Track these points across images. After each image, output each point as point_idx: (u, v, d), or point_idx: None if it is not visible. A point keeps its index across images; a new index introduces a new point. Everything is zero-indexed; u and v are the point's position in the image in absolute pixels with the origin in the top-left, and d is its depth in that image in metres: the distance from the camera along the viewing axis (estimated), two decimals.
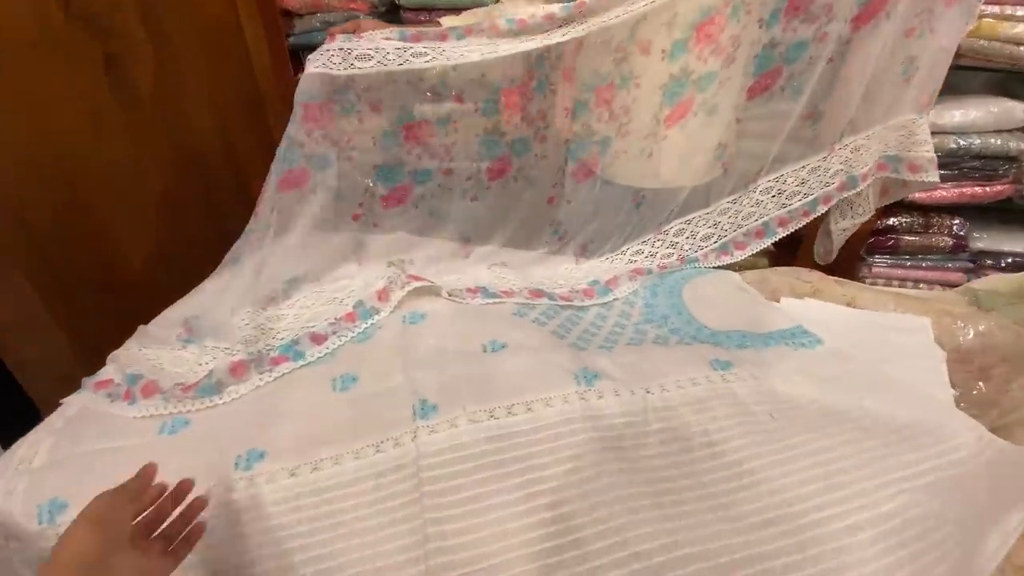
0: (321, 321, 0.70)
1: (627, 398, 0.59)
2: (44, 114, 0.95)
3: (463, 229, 0.86)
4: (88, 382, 0.66)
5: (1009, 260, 1.33)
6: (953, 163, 1.26)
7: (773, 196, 0.95)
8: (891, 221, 1.36)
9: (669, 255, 0.92)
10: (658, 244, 0.92)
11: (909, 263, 1.41)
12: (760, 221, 0.95)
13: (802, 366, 0.67)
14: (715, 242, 0.94)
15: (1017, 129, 1.24)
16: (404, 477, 0.51)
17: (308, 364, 0.65)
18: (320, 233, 0.84)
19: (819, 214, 0.98)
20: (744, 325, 0.77)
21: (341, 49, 0.77)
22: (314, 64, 0.77)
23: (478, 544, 0.47)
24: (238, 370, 0.62)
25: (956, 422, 0.56)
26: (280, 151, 0.80)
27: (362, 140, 0.85)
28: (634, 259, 0.91)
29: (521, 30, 0.80)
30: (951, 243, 1.35)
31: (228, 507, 0.50)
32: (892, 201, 1.10)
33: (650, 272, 0.88)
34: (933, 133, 1.22)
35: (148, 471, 0.42)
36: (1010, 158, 1.25)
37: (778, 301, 0.84)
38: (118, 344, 0.76)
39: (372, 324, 0.70)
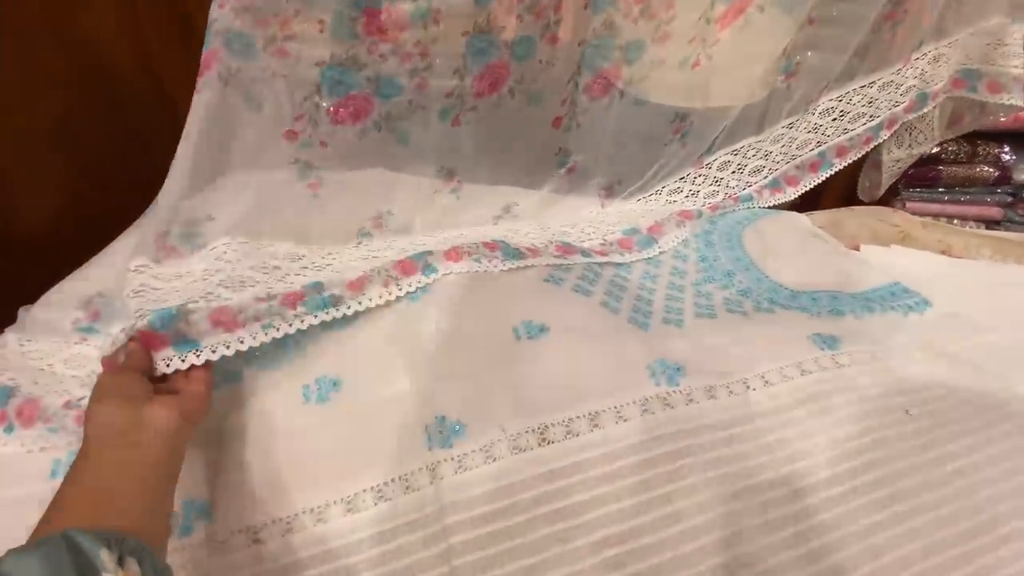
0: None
1: (726, 400, 0.43)
2: None
3: (443, 161, 0.63)
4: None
5: None
6: None
7: (834, 119, 0.77)
8: (934, 150, 1.20)
9: (713, 194, 0.74)
10: (699, 181, 0.74)
11: (946, 197, 1.27)
12: (817, 151, 0.78)
13: (920, 338, 0.52)
14: (765, 177, 0.76)
15: None
16: (423, 541, 0.34)
17: (258, 359, 0.45)
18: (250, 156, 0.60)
19: (881, 140, 0.81)
20: (832, 284, 0.61)
21: None
22: None
23: None
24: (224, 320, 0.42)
25: None
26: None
27: (305, 27, 0.60)
28: (672, 199, 0.72)
29: None
30: (996, 174, 1.21)
31: None
32: (963, 132, 0.93)
33: (700, 215, 0.71)
34: None
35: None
36: None
37: (857, 249, 0.68)
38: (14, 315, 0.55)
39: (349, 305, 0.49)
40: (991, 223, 1.29)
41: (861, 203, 1.18)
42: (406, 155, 0.62)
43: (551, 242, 0.60)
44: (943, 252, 0.67)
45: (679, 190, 0.74)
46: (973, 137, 1.20)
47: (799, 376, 0.46)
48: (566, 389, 0.42)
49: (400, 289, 0.49)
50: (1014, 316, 0.56)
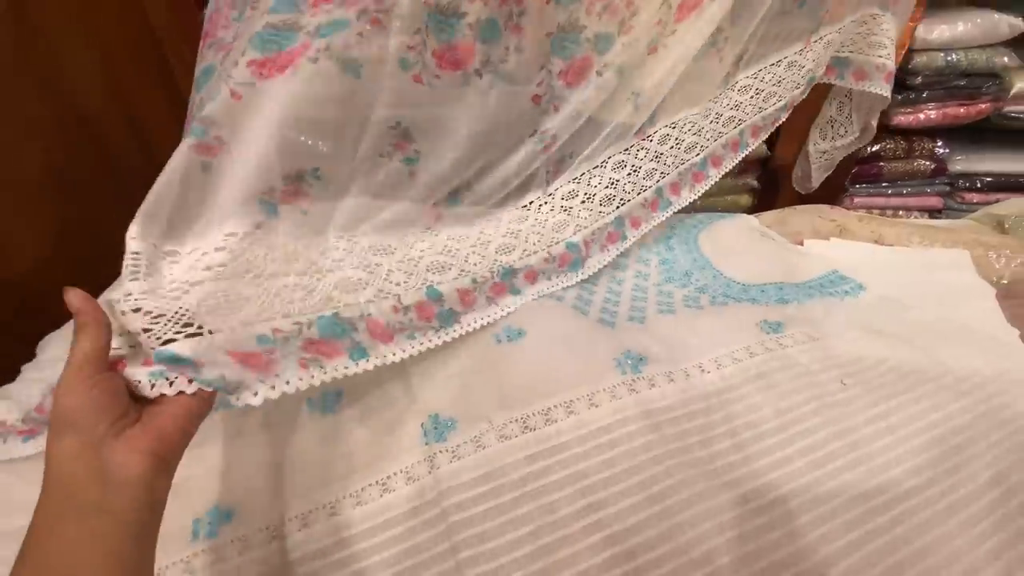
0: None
1: (683, 383, 0.49)
2: None
3: (398, 114, 0.58)
4: None
5: (987, 180, 1.32)
6: (939, 82, 1.20)
7: (751, 96, 0.81)
8: (875, 148, 1.30)
9: (652, 172, 0.76)
10: (641, 155, 0.76)
11: (890, 191, 1.38)
12: (737, 129, 0.81)
13: (857, 319, 0.59)
14: (698, 154, 0.79)
15: (1000, 43, 1.19)
16: (426, 523, 0.39)
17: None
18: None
19: (782, 120, 0.87)
20: (778, 276, 0.68)
21: None
22: None
23: None
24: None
25: None
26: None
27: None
28: (615, 176, 0.74)
29: None
30: (932, 167, 1.32)
31: None
32: (869, 137, 1.00)
33: (624, 238, 0.73)
34: (923, 50, 1.16)
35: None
36: (993, 74, 1.20)
37: (801, 244, 0.76)
38: (8, 360, 0.58)
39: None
40: (933, 212, 1.39)
41: (808, 201, 1.27)
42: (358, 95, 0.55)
43: (488, 277, 0.59)
44: (876, 241, 0.74)
45: (623, 164, 0.75)
46: (909, 134, 1.31)
47: (748, 358, 0.52)
48: (543, 383, 0.47)
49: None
50: (937, 295, 0.63)
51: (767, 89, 0.81)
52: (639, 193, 0.76)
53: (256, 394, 0.37)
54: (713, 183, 0.79)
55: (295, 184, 0.51)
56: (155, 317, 0.36)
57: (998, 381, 0.50)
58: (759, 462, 0.45)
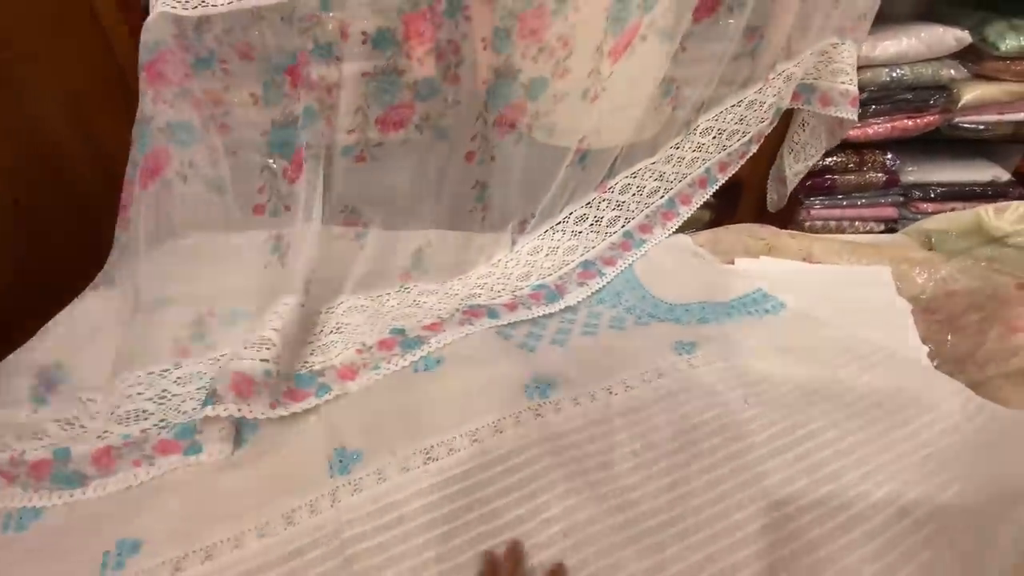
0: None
1: (588, 406, 0.51)
2: None
3: (353, 200, 0.67)
4: None
5: (938, 191, 1.35)
6: (886, 96, 1.23)
7: (713, 137, 0.86)
8: (827, 161, 1.33)
9: (616, 219, 0.81)
10: (603, 206, 0.80)
11: (845, 203, 1.40)
12: (703, 168, 0.86)
13: (771, 338, 0.61)
14: (661, 196, 0.84)
15: (947, 56, 1.22)
16: (325, 555, 0.41)
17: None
18: (216, 236, 0.67)
19: (752, 152, 0.92)
20: (703, 295, 0.70)
21: None
22: (158, 4, 0.58)
23: None
24: (103, 459, 0.47)
25: (938, 386, 0.52)
26: (133, 134, 0.63)
27: (239, 99, 0.67)
28: (578, 228, 0.79)
29: None
30: (884, 179, 1.35)
31: None
32: (836, 142, 1.06)
33: (601, 274, 0.75)
34: (868, 67, 1.20)
35: None
36: (940, 87, 1.24)
37: (732, 262, 0.78)
38: None
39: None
40: (889, 222, 1.42)
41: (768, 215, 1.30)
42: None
43: (458, 309, 0.64)
44: (805, 259, 0.77)
45: (584, 217, 0.80)
46: (860, 148, 1.34)
47: (656, 379, 0.54)
48: (453, 412, 0.49)
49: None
50: (854, 312, 0.65)
51: (730, 128, 0.86)
52: (604, 239, 0.79)
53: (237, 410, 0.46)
54: (685, 217, 0.84)
55: None
56: None
57: (896, 399, 0.51)
58: (658, 482, 0.46)
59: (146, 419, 0.51)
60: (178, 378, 0.53)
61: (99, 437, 0.49)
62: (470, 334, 0.59)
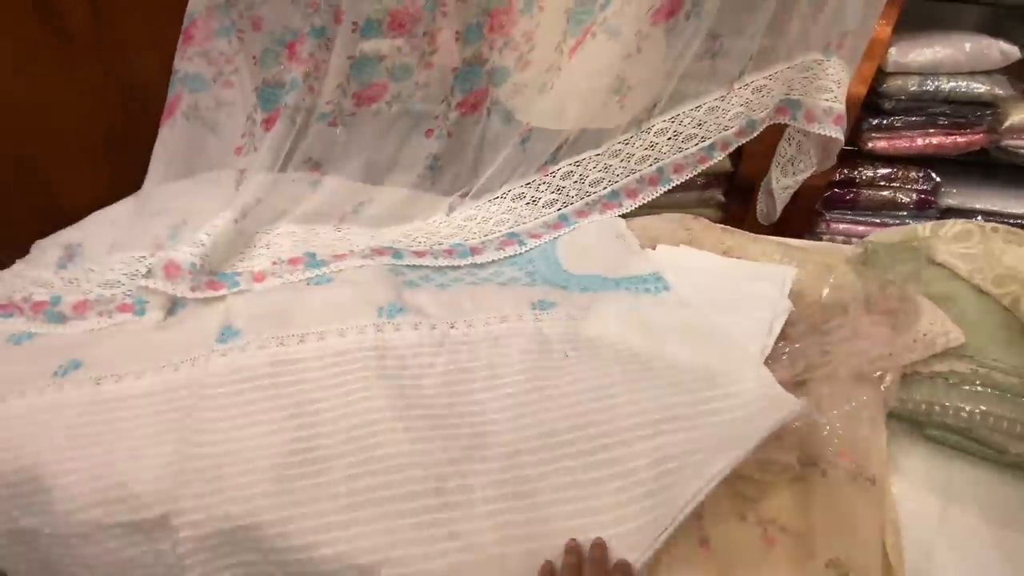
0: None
1: (425, 332, 0.60)
2: None
3: (313, 154, 0.81)
4: None
5: (979, 219, 1.22)
6: (918, 108, 1.14)
7: (669, 138, 0.89)
8: (852, 173, 1.26)
9: (553, 201, 0.88)
10: (542, 188, 0.87)
11: (869, 219, 1.31)
12: (655, 167, 0.90)
13: (629, 311, 0.65)
14: (605, 188, 0.89)
15: (995, 71, 1.11)
16: (186, 396, 0.55)
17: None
18: (208, 172, 0.86)
19: (715, 160, 0.92)
20: (602, 270, 0.75)
21: None
22: None
23: (230, 453, 0.50)
24: (80, 308, 0.66)
25: (745, 369, 0.54)
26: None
27: (245, 61, 0.84)
28: (514, 205, 0.87)
29: None
30: (916, 199, 1.25)
31: (31, 408, 0.55)
32: (830, 163, 1.01)
33: (522, 244, 0.82)
34: (896, 74, 1.12)
35: None
36: (984, 103, 1.12)
37: (654, 247, 0.81)
38: None
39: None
40: None
41: (782, 225, 1.27)
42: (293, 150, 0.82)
43: (370, 247, 0.75)
44: (724, 253, 0.78)
45: (522, 196, 0.88)
46: (892, 162, 1.25)
47: (497, 324, 0.62)
48: (316, 316, 0.61)
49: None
50: (733, 302, 0.67)
51: (686, 131, 0.89)
52: (536, 218, 0.86)
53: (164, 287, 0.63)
54: (628, 210, 0.88)
55: None
56: None
57: (696, 372, 0.55)
58: (456, 399, 0.55)
59: (118, 287, 0.69)
60: (148, 264, 0.70)
61: (84, 293, 0.68)
62: (368, 266, 0.70)
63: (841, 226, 1.32)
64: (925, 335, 0.54)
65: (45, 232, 1.14)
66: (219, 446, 0.51)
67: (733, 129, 0.90)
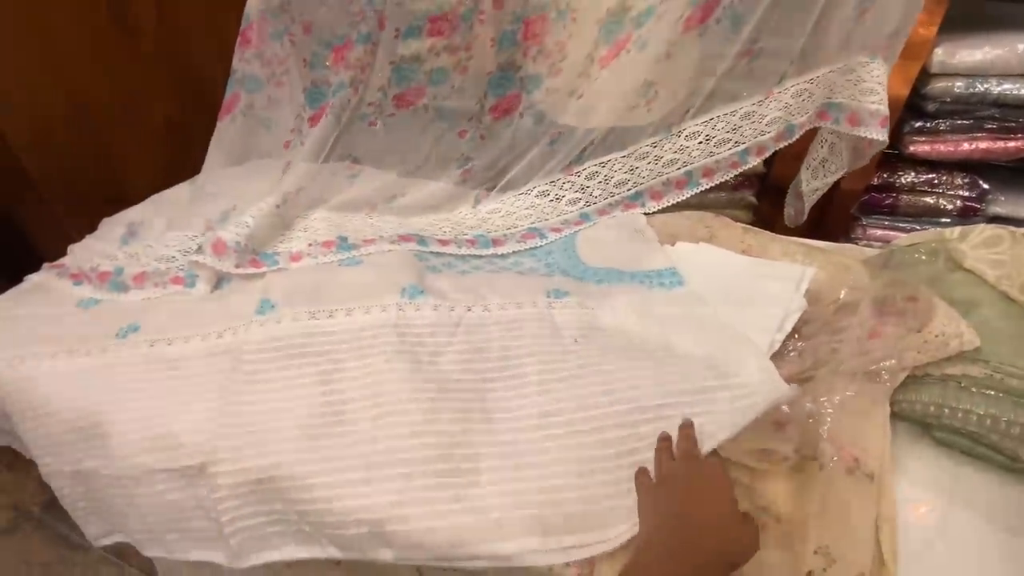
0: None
1: (444, 313, 0.64)
2: (50, 46, 1.10)
3: (358, 150, 0.87)
4: (46, 265, 0.81)
5: None
6: (964, 112, 1.10)
7: (700, 142, 0.89)
8: (891, 176, 1.22)
9: (576, 200, 0.90)
10: (567, 187, 0.89)
11: (913, 226, 1.27)
12: (683, 170, 0.90)
13: (642, 303, 0.67)
14: (629, 189, 0.90)
15: None
16: (227, 360, 0.61)
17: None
18: (260, 160, 0.93)
19: (750, 165, 0.92)
20: (619, 263, 0.77)
21: None
22: None
23: (262, 412, 0.55)
24: (139, 279, 0.74)
25: (748, 360, 0.55)
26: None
27: (296, 63, 0.90)
28: (538, 201, 0.89)
29: None
30: (961, 205, 1.20)
31: (96, 364, 0.62)
32: (861, 164, 0.99)
33: (542, 237, 0.85)
34: (941, 75, 1.08)
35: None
36: None
37: (673, 244, 0.83)
38: None
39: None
40: None
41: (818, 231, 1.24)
42: (335, 146, 0.88)
43: (396, 233, 0.79)
44: (744, 251, 0.79)
45: (546, 193, 0.91)
46: (936, 166, 1.20)
47: (514, 308, 0.65)
48: (347, 291, 0.66)
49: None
50: (746, 298, 0.68)
51: (719, 136, 0.89)
52: (558, 216, 0.89)
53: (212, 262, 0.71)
54: (651, 211, 0.89)
55: None
56: None
57: (700, 361, 0.57)
58: (469, 376, 0.58)
59: (173, 261, 0.76)
60: (199, 242, 0.76)
61: (142, 266, 0.75)
62: (395, 251, 0.75)
63: (879, 232, 1.28)
64: (937, 336, 0.54)
65: (112, 210, 1.25)
66: (254, 405, 0.56)
67: (770, 134, 0.89)
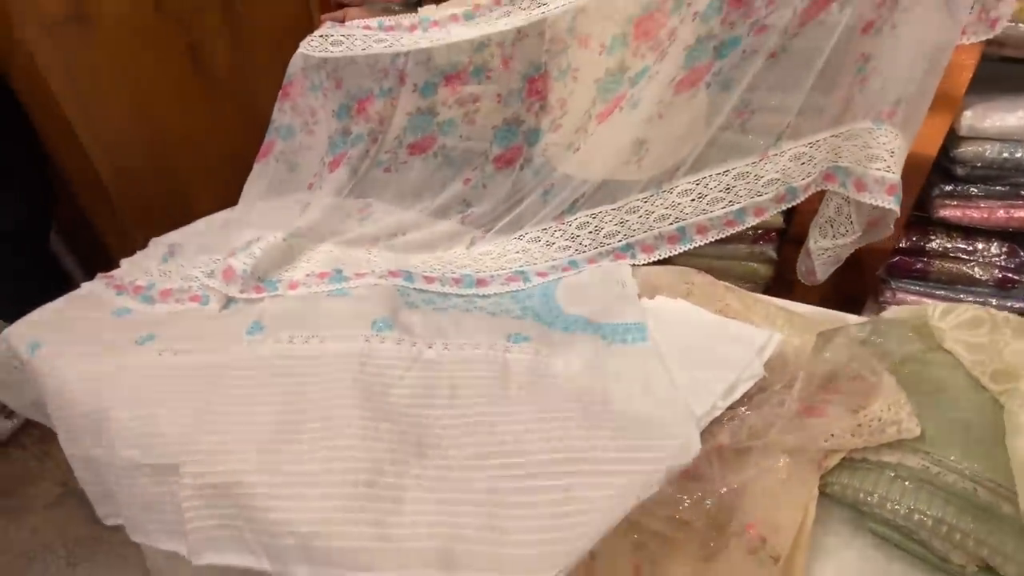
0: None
1: (405, 348, 0.69)
2: (140, 91, 1.30)
3: (370, 193, 0.96)
4: (100, 275, 0.95)
5: None
6: (999, 178, 1.04)
7: (692, 200, 0.90)
8: (920, 240, 1.16)
9: (566, 247, 0.93)
10: (557, 234, 0.93)
11: (948, 294, 1.19)
12: (675, 225, 0.91)
13: (596, 355, 0.70)
14: (619, 241, 0.92)
15: None
16: (215, 373, 0.69)
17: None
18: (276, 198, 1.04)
19: (748, 225, 0.91)
20: (590, 313, 0.80)
21: (322, 36, 0.93)
22: (301, 47, 0.93)
23: (232, 423, 0.62)
24: (165, 294, 0.86)
25: (677, 425, 0.56)
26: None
27: (325, 114, 1.02)
28: (529, 246, 0.93)
29: (474, 13, 0.87)
30: (997, 276, 1.12)
31: (114, 365, 0.73)
32: (884, 232, 0.94)
33: (527, 280, 0.89)
34: (973, 139, 1.03)
35: None
36: None
37: (652, 297, 0.84)
38: None
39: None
40: None
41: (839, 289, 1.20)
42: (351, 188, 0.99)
43: (387, 269, 0.86)
44: (720, 311, 0.79)
45: (537, 239, 0.95)
46: (972, 233, 1.13)
47: (471, 349, 0.69)
48: (324, 322, 0.73)
49: None
50: (696, 357, 0.68)
51: (712, 195, 0.89)
52: (547, 261, 0.93)
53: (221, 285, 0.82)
54: (640, 264, 0.91)
55: None
56: None
57: (628, 420, 0.58)
58: (414, 410, 0.63)
59: (195, 281, 0.87)
60: (212, 268, 0.87)
61: (170, 283, 0.87)
62: (380, 285, 0.82)
63: (909, 298, 1.21)
64: (873, 421, 0.52)
65: (183, 218, 1.43)
66: (227, 416, 0.63)
67: (769, 195, 0.88)
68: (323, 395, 0.64)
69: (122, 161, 1.33)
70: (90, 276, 0.94)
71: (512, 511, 0.53)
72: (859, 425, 0.52)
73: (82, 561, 1.25)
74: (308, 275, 0.84)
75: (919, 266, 1.18)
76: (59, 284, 0.96)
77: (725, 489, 0.51)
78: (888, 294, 1.24)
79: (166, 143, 1.40)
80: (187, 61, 1.38)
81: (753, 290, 1.37)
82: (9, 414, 1.46)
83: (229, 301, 0.83)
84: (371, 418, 0.61)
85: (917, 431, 0.52)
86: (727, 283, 0.85)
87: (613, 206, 0.93)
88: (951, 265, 1.15)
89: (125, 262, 0.97)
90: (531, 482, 0.55)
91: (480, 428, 0.61)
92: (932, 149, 1.05)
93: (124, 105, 1.29)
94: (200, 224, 1.07)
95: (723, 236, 0.92)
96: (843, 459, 0.54)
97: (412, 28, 0.90)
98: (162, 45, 1.32)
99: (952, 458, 0.50)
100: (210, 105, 1.46)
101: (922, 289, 1.20)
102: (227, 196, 1.51)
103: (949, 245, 1.14)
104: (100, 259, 1.36)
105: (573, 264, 0.92)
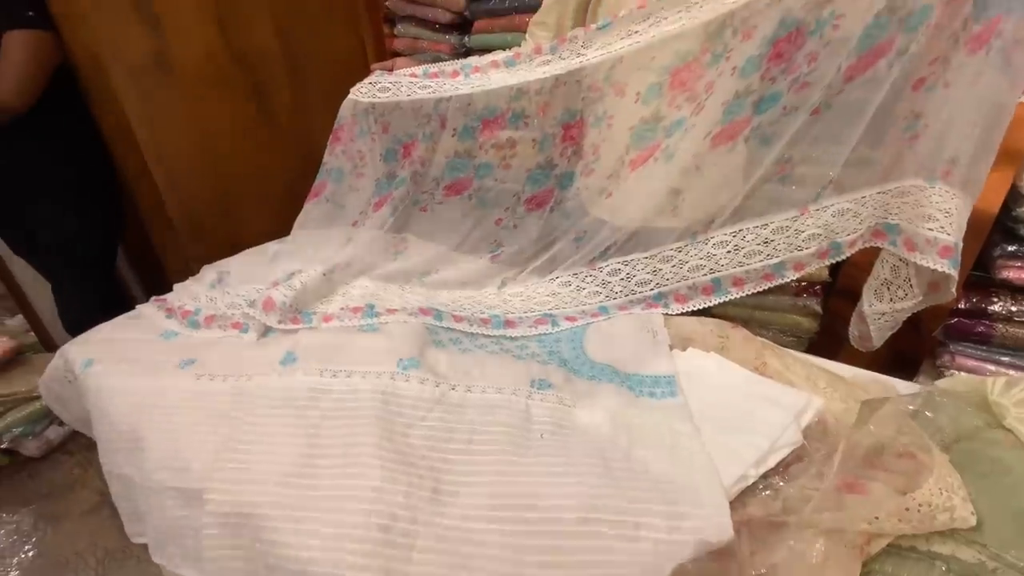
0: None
1: (428, 389, 0.69)
2: (207, 131, 1.40)
3: (407, 231, 0.99)
4: (154, 298, 1.00)
5: None
6: None
7: (728, 252, 0.88)
8: (981, 301, 1.09)
9: (597, 293, 0.93)
10: (588, 279, 0.93)
11: (1015, 360, 1.10)
12: (710, 277, 0.89)
13: (621, 408, 0.68)
14: (652, 289, 0.90)
15: None
16: (245, 401, 0.71)
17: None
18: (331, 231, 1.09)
19: (787, 279, 0.87)
20: (618, 362, 0.78)
21: (371, 83, 0.99)
22: (351, 93, 0.99)
23: (256, 453, 0.64)
24: (209, 320, 0.90)
25: (707, 496, 0.53)
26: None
27: (373, 157, 1.07)
28: (560, 290, 0.93)
29: (515, 60, 0.91)
30: None
31: (152, 386, 0.76)
32: (945, 297, 0.87)
33: (555, 324, 0.89)
34: None
35: None
36: None
37: (684, 349, 0.81)
38: None
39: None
40: None
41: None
42: (391, 227, 1.02)
43: (418, 306, 0.88)
44: (756, 369, 0.75)
45: (568, 284, 0.95)
46: None
47: (494, 393, 0.69)
48: (355, 357, 0.74)
49: None
50: (729, 419, 0.65)
51: (748, 247, 0.87)
52: (576, 306, 0.93)
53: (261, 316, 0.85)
54: (674, 314, 0.89)
55: None
56: None
57: (650, 481, 0.55)
58: (433, 453, 0.63)
59: (237, 309, 0.91)
60: (253, 298, 0.91)
61: (215, 310, 0.91)
62: (410, 322, 0.83)
63: (970, 363, 1.13)
64: (922, 506, 0.48)
65: (241, 245, 1.50)
66: (251, 446, 0.65)
67: (810, 250, 0.85)
68: (345, 431, 0.64)
69: (187, 193, 1.43)
70: (146, 284, 1.00)
71: (523, 566, 0.51)
72: (907, 509, 0.48)
73: (111, 572, 1.28)
74: (343, 309, 0.86)
75: (980, 329, 1.10)
76: (123, 307, 1.03)
77: (754, 573, 0.47)
78: (947, 357, 1.16)
79: (228, 176, 1.49)
80: (251, 102, 1.49)
81: (796, 344, 1.33)
82: (62, 422, 1.54)
83: (267, 330, 0.86)
84: (389, 459, 0.61)
85: (972, 520, 0.47)
86: (764, 339, 0.81)
87: (646, 254, 0.92)
88: (1016, 329, 1.07)
89: (177, 287, 1.03)
90: (543, 541, 0.53)
91: (497, 476, 0.59)
92: (993, 206, 0.99)
93: (194, 144, 1.40)
94: (249, 254, 1.13)
95: (761, 289, 0.89)
96: (888, 545, 0.49)
97: (455, 74, 0.93)
98: (229, 87, 1.43)
99: (1012, 553, 0.45)
100: (268, 141, 1.56)
101: (984, 354, 1.12)
102: (280, 228, 1.60)
103: (1013, 308, 1.06)
104: (162, 284, 1.45)
105: (603, 310, 0.91)
